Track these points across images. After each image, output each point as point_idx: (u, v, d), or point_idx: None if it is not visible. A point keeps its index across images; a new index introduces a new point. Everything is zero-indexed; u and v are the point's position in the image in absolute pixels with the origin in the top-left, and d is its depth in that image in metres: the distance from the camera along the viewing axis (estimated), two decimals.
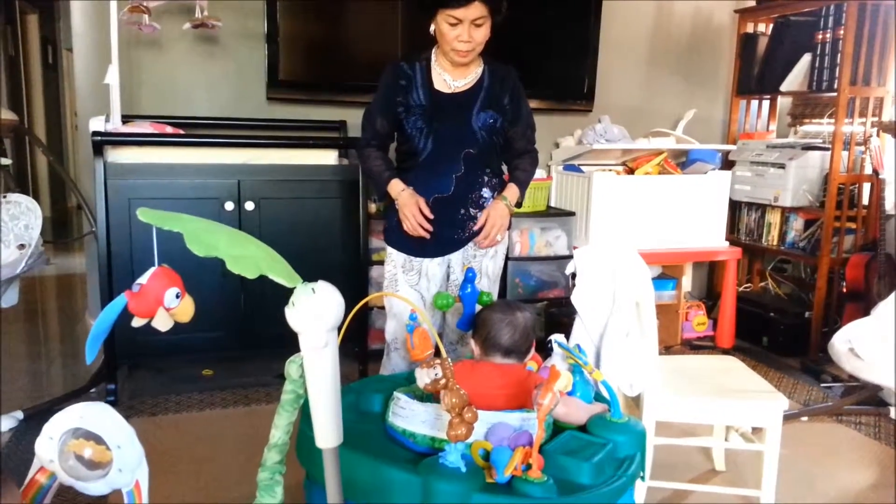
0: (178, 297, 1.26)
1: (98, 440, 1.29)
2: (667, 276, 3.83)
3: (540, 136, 2.33)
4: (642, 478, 1.60)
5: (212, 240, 1.15)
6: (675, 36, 4.07)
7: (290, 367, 1.34)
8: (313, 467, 1.57)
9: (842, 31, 3.38)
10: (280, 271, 1.15)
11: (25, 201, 2.52)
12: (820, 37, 3.51)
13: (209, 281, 2.75)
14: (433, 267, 2.24)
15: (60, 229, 7.15)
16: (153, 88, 3.29)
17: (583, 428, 1.61)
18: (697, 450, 2.52)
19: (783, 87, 3.75)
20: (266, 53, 3.28)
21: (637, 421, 1.64)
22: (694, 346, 3.79)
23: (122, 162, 2.77)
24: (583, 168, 3.63)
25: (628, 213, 3.41)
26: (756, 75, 3.96)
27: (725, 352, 3.55)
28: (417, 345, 1.88)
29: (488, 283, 2.30)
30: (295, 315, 1.15)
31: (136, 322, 1.25)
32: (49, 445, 1.30)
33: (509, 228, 2.28)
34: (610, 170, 3.64)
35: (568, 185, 3.62)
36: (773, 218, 3.81)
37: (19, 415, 2.64)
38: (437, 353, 1.61)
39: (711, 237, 3.59)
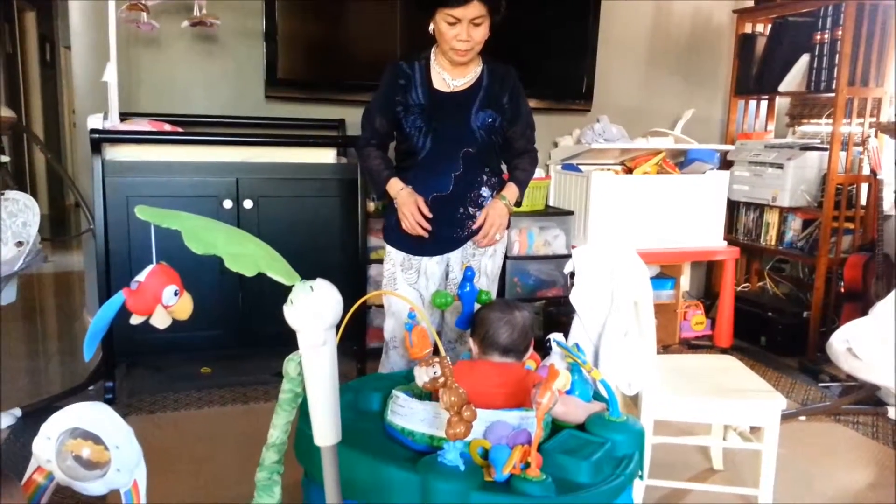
0: (176, 294, 1.26)
1: (96, 440, 1.29)
2: (665, 275, 3.83)
3: (538, 135, 2.33)
4: (640, 477, 1.60)
5: (210, 237, 1.15)
6: (674, 36, 4.07)
7: (289, 366, 1.34)
8: (312, 466, 1.57)
9: (840, 32, 3.38)
10: (279, 269, 1.15)
11: (23, 199, 2.52)
12: (818, 37, 3.51)
13: (207, 279, 2.75)
14: (432, 265, 2.24)
15: (58, 227, 7.14)
16: (151, 86, 3.28)
17: (581, 427, 1.61)
18: (695, 449, 2.52)
19: (781, 88, 3.75)
20: (264, 52, 3.28)
21: (635, 420, 1.64)
22: (692, 346, 3.79)
23: (120, 160, 2.77)
24: (581, 167, 3.63)
25: (627, 213, 3.42)
26: (754, 75, 3.96)
27: (723, 351, 3.55)
28: (416, 343, 1.88)
29: (487, 282, 2.30)
30: (293, 313, 1.15)
31: (135, 320, 1.25)
32: (47, 445, 1.30)
33: (508, 227, 2.28)
34: (608, 169, 3.64)
35: (566, 185, 3.62)
36: (772, 218, 3.82)
37: (17, 412, 2.64)
38: (436, 352, 1.61)
39: (710, 237, 3.59)
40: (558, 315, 3.32)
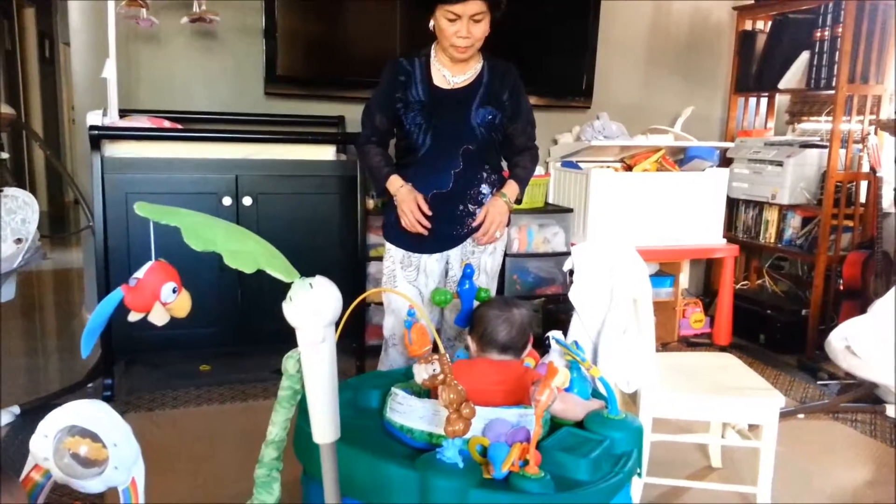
0: (174, 291, 1.26)
1: (94, 438, 1.28)
2: (664, 273, 3.83)
3: (538, 132, 2.33)
4: (639, 474, 1.60)
5: (209, 234, 1.15)
6: (674, 33, 4.06)
7: (288, 363, 1.34)
8: (310, 463, 1.57)
9: (840, 29, 3.38)
10: (278, 266, 1.15)
11: (22, 195, 2.51)
12: (818, 34, 3.51)
13: (206, 276, 2.75)
14: (431, 263, 2.23)
15: (58, 224, 7.14)
16: (151, 83, 3.28)
17: (580, 424, 1.61)
18: (694, 447, 2.52)
19: (781, 85, 3.75)
20: (264, 48, 3.27)
21: (634, 417, 1.64)
22: (691, 343, 3.79)
23: (119, 156, 2.77)
24: (581, 165, 3.63)
25: (626, 210, 3.41)
26: (754, 73, 3.96)
27: (722, 349, 3.55)
28: (415, 341, 1.88)
29: (486, 280, 2.30)
30: (292, 310, 1.15)
31: (132, 317, 1.25)
32: (44, 443, 1.30)
33: (508, 225, 2.27)
34: (608, 166, 3.64)
35: (566, 182, 3.61)
36: (771, 215, 3.82)
37: (16, 410, 2.64)
38: (435, 349, 1.61)
39: (709, 234, 3.59)
40: (557, 312, 3.32)
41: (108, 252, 2.74)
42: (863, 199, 3.58)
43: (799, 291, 3.97)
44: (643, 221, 3.45)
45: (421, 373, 1.36)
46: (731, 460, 2.45)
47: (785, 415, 2.72)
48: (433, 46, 2.18)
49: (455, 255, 2.26)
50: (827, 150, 3.46)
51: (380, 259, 2.53)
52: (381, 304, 2.58)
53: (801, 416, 2.88)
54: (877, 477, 2.43)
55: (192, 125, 3.16)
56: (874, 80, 3.48)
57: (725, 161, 3.93)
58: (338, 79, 3.41)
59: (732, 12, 4.06)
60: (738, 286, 4.06)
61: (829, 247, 3.48)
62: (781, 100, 4.15)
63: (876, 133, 3.47)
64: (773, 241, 3.82)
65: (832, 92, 3.43)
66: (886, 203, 3.37)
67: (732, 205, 3.96)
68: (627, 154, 3.70)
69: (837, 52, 3.39)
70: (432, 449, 1.43)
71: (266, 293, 2.71)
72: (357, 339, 3.12)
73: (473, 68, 2.18)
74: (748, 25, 4.02)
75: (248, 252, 1.15)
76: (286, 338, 1.22)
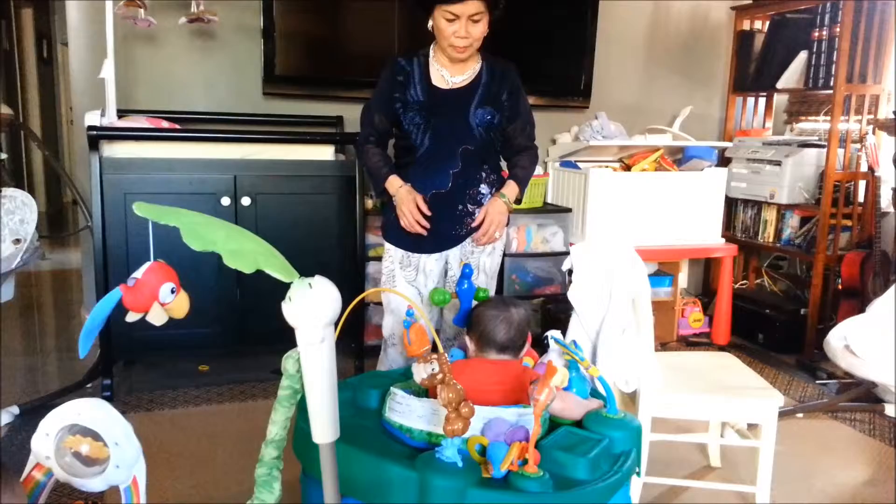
0: (173, 292, 1.26)
1: (95, 436, 1.28)
2: (663, 272, 3.83)
3: (537, 132, 2.32)
4: (638, 474, 1.60)
5: (209, 234, 1.15)
6: (672, 33, 4.07)
7: (287, 363, 1.34)
8: (310, 463, 1.57)
9: (838, 29, 3.38)
10: (277, 266, 1.15)
11: (21, 196, 2.51)
12: (816, 34, 3.51)
13: (205, 276, 2.75)
14: (430, 263, 2.23)
15: (56, 224, 7.13)
16: (149, 83, 3.28)
17: (579, 424, 1.61)
18: (693, 446, 2.52)
19: (779, 85, 3.76)
20: (262, 48, 3.27)
21: (633, 417, 1.65)
22: (690, 343, 3.80)
23: (117, 157, 2.76)
24: (579, 164, 3.64)
25: (625, 210, 3.42)
26: (752, 72, 3.96)
27: (721, 348, 3.55)
28: (414, 341, 1.88)
29: (485, 280, 2.30)
30: (292, 310, 1.15)
31: (130, 317, 1.25)
32: (45, 442, 1.30)
33: (507, 225, 2.28)
34: (606, 166, 3.64)
35: (565, 182, 3.62)
36: (769, 215, 3.82)
37: (15, 410, 2.64)
38: (434, 349, 1.61)
39: (707, 234, 3.60)
40: (556, 312, 3.32)
41: (106, 252, 2.74)
42: (861, 198, 3.58)
43: (797, 291, 3.97)
44: (642, 221, 3.45)
45: (420, 372, 1.36)
46: (730, 460, 2.45)
47: (784, 414, 2.72)
48: (432, 46, 2.18)
49: (454, 255, 2.26)
50: (825, 150, 3.46)
51: (379, 259, 2.53)
52: (380, 303, 2.58)
53: (799, 415, 2.88)
54: (876, 476, 2.43)
55: (190, 125, 3.16)
56: (872, 80, 3.48)
57: (724, 161, 3.94)
58: (336, 79, 3.41)
59: (731, 12, 4.06)
60: (736, 286, 4.06)
61: (828, 246, 3.48)
62: (780, 99, 4.15)
63: (874, 132, 3.48)
64: (771, 240, 3.82)
65: (830, 91, 3.44)
66: (885, 202, 3.38)
67: (731, 204, 3.96)
68: (626, 154, 3.70)
69: (835, 52, 3.39)
70: (431, 448, 1.43)
71: (265, 293, 2.68)
72: (356, 339, 3.12)
73: (472, 68, 2.18)
74: (746, 25, 4.03)
75: (247, 252, 1.15)
76: (285, 338, 1.23)
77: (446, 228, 2.19)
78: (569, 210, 3.52)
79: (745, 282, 4.19)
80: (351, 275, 3.03)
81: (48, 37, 7.52)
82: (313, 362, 1.18)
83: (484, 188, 2.21)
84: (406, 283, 2.25)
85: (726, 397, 2.06)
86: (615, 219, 3.41)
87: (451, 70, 2.16)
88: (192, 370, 3.16)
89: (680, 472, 2.34)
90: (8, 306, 2.97)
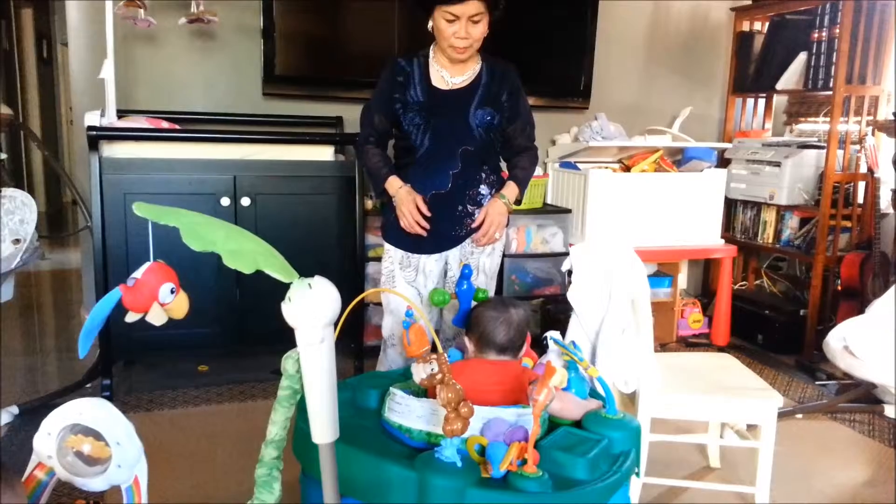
0: (172, 292, 1.26)
1: (97, 436, 1.29)
2: (662, 273, 3.83)
3: (537, 133, 2.33)
4: (637, 474, 1.61)
5: (209, 234, 1.15)
6: (672, 34, 4.07)
7: (287, 363, 1.34)
8: (309, 463, 1.57)
9: (837, 30, 3.38)
10: (276, 267, 1.15)
11: (21, 196, 2.51)
12: (816, 35, 3.52)
13: (205, 276, 2.75)
14: (430, 263, 2.24)
15: (56, 224, 7.13)
16: (149, 83, 3.28)
17: (578, 424, 1.61)
18: (692, 447, 2.52)
19: (779, 86, 3.76)
20: (262, 48, 3.27)
21: (632, 417, 1.65)
22: (689, 344, 3.80)
23: (117, 157, 2.77)
24: (579, 165, 3.64)
25: (624, 211, 3.42)
26: (752, 73, 3.97)
27: (721, 349, 3.56)
28: (414, 341, 1.88)
29: (485, 280, 2.30)
30: (291, 310, 1.15)
31: (130, 317, 1.25)
32: (47, 441, 1.30)
33: (507, 226, 2.28)
34: (606, 167, 3.64)
35: (564, 183, 3.62)
36: (769, 216, 3.82)
37: (15, 410, 2.64)
38: (434, 350, 1.61)
39: (707, 235, 3.60)
40: (556, 313, 3.32)
41: (106, 252, 2.74)
42: (860, 199, 3.58)
43: (797, 292, 3.97)
44: (641, 222, 3.45)
45: (419, 372, 1.37)
46: (729, 460, 2.45)
47: (783, 415, 2.72)
48: (432, 47, 2.18)
49: (454, 256, 2.26)
50: (825, 151, 3.46)
51: (378, 259, 2.53)
52: (379, 304, 2.59)
53: (799, 416, 2.88)
54: (875, 477, 2.43)
55: (190, 126, 3.16)
56: (872, 81, 3.48)
57: (723, 162, 3.94)
58: (336, 79, 3.41)
59: (730, 13, 4.07)
60: (736, 287, 4.06)
61: (827, 247, 3.48)
62: (779, 100, 4.15)
63: (873, 134, 3.48)
64: (771, 241, 3.83)
65: (830, 93, 3.44)
66: (884, 203, 3.38)
67: (730, 205, 3.96)
68: (626, 155, 3.71)
69: (835, 53, 3.39)
70: (431, 448, 1.43)
71: (265, 293, 2.68)
72: (356, 340, 3.12)
73: (472, 69, 2.18)
74: (746, 26, 4.03)
75: (246, 252, 1.15)
76: (285, 338, 1.23)
77: (446, 229, 2.19)
78: (568, 211, 3.52)
79: (744, 283, 4.19)
80: (350, 275, 3.03)
81: (48, 37, 7.52)
82: (313, 362, 1.18)
83: (484, 189, 2.21)
84: (405, 283, 2.25)
85: (726, 398, 2.06)
86: (615, 219, 3.41)
87: (450, 71, 2.16)
88: (191, 370, 3.16)
89: (679, 473, 2.34)
90: (8, 306, 2.97)
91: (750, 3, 3.98)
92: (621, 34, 3.93)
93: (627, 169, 3.63)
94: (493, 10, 2.04)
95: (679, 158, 3.76)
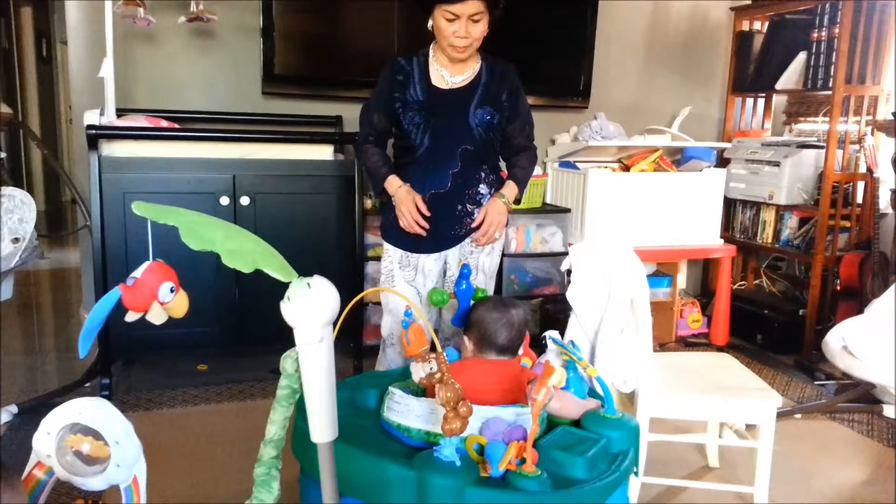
0: (172, 291, 1.26)
1: (96, 435, 1.29)
2: (661, 273, 3.83)
3: (536, 132, 2.33)
4: (636, 473, 1.61)
5: (208, 234, 1.15)
6: (671, 34, 4.07)
7: (286, 362, 1.34)
8: (308, 462, 1.57)
9: (837, 30, 3.38)
10: (276, 266, 1.15)
11: (20, 195, 2.51)
12: (815, 35, 3.52)
13: (204, 276, 2.75)
14: (429, 263, 2.24)
15: (55, 223, 7.13)
16: (148, 82, 3.28)
17: (577, 423, 1.61)
18: (691, 446, 2.52)
19: (778, 86, 3.76)
20: (262, 48, 3.27)
21: (630, 417, 1.65)
22: (688, 343, 3.80)
23: (116, 156, 2.76)
24: (578, 165, 3.64)
25: (624, 210, 3.42)
26: (751, 73, 3.97)
27: (720, 349, 3.56)
28: (413, 341, 1.88)
29: (484, 280, 2.30)
30: (290, 310, 1.15)
31: (130, 316, 1.25)
32: (47, 440, 1.30)
33: (506, 225, 2.28)
34: (606, 167, 3.65)
35: (564, 182, 3.62)
36: (768, 216, 3.82)
37: (14, 409, 2.64)
38: (433, 349, 1.61)
39: (706, 235, 3.60)
40: (555, 312, 3.32)
41: (105, 251, 2.74)
42: (860, 199, 3.58)
43: (796, 292, 3.97)
44: (641, 221, 3.45)
45: (418, 372, 1.37)
46: (728, 460, 2.45)
47: (782, 415, 2.72)
48: (431, 46, 2.18)
49: (453, 255, 2.26)
50: (824, 151, 3.46)
51: (378, 259, 2.53)
52: (379, 303, 2.59)
53: (798, 416, 2.89)
54: (874, 477, 2.43)
55: (189, 125, 3.16)
56: (871, 81, 3.48)
57: (723, 161, 3.94)
58: (336, 78, 3.41)
59: (730, 13, 4.07)
60: (735, 286, 4.06)
61: (827, 247, 3.48)
62: (778, 100, 4.15)
63: (873, 134, 3.48)
64: (770, 241, 3.83)
65: (829, 92, 3.44)
66: (883, 203, 3.38)
67: (730, 205, 3.96)
68: (625, 154, 3.71)
69: (834, 53, 3.39)
70: (429, 447, 1.43)
71: (264, 293, 2.68)
72: (355, 339, 3.12)
73: (472, 68, 2.18)
74: (745, 26, 4.03)
75: (245, 252, 1.15)
76: (284, 337, 1.23)
77: (445, 228, 2.19)
78: (568, 210, 3.52)
79: (743, 282, 4.19)
80: (350, 274, 3.03)
81: (47, 35, 7.52)
82: (312, 362, 1.18)
83: (483, 188, 2.21)
84: (405, 282, 2.25)
85: (725, 398, 2.06)
86: (614, 219, 3.41)
87: (450, 70, 2.16)
88: (190, 370, 3.16)
89: (678, 473, 2.34)
90: (7, 305, 2.97)
91: (749, 2, 3.98)
92: (621, 34, 3.93)
93: (627, 168, 3.63)
94: (493, 10, 2.04)
95: (678, 158, 3.77)
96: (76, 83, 3.35)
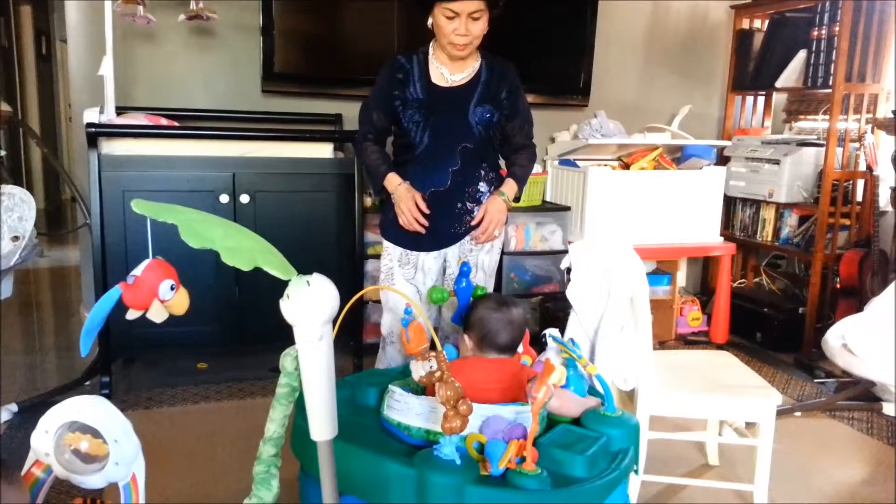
0: (172, 289, 1.26)
1: (95, 434, 1.29)
2: (661, 271, 3.83)
3: (536, 130, 2.33)
4: (636, 471, 1.61)
5: (207, 231, 1.15)
6: (671, 32, 4.06)
7: (285, 361, 1.34)
8: (308, 460, 1.57)
9: (837, 28, 3.38)
10: (275, 264, 1.15)
11: (19, 193, 2.51)
12: (815, 33, 3.51)
13: (204, 274, 2.74)
14: (429, 261, 2.24)
15: (55, 221, 7.13)
16: (148, 80, 3.27)
17: (577, 422, 1.61)
18: (691, 444, 2.52)
19: (778, 84, 3.76)
20: (261, 46, 3.27)
21: (630, 415, 1.65)
22: (688, 342, 3.80)
23: (116, 154, 2.76)
24: (578, 163, 3.64)
25: (623, 208, 3.42)
26: (751, 71, 3.96)
27: (719, 347, 3.56)
28: (412, 339, 1.88)
29: (484, 278, 2.30)
30: (290, 308, 1.15)
31: (131, 314, 1.25)
32: (45, 439, 1.30)
33: (506, 223, 2.28)
34: (605, 165, 3.64)
35: (563, 180, 3.62)
36: (768, 214, 3.82)
37: (14, 407, 2.64)
38: (433, 347, 1.61)
39: (706, 233, 3.60)
40: (555, 310, 3.32)
41: (105, 250, 2.74)
42: (859, 197, 3.58)
43: (796, 289, 3.97)
44: (640, 219, 3.45)
45: (418, 369, 1.37)
46: (728, 458, 2.45)
47: (782, 413, 2.72)
48: (431, 44, 2.18)
49: (453, 253, 2.26)
50: (824, 149, 3.46)
51: (377, 257, 2.53)
52: (378, 301, 2.59)
53: (797, 414, 2.89)
54: (874, 475, 2.43)
55: (189, 123, 3.16)
56: (871, 79, 3.48)
57: (722, 159, 3.94)
58: (335, 76, 3.41)
59: (730, 11, 4.06)
60: (735, 284, 4.06)
61: (826, 245, 3.48)
62: (778, 98, 4.15)
63: (873, 132, 3.47)
64: (770, 239, 3.83)
65: (829, 90, 3.44)
66: (883, 201, 3.38)
67: (729, 203, 3.96)
68: (625, 152, 3.70)
69: (834, 51, 3.39)
70: (429, 446, 1.43)
71: (263, 291, 2.68)
72: (355, 337, 3.12)
73: (472, 66, 2.18)
74: (745, 24, 4.03)
75: (245, 250, 1.15)
76: (284, 335, 1.23)
77: (445, 226, 2.19)
78: (567, 208, 3.52)
79: (743, 280, 4.19)
80: (349, 272, 3.03)
81: (47, 34, 7.51)
82: (311, 360, 1.18)
83: (483, 186, 2.21)
84: (404, 280, 2.25)
85: (724, 396, 2.06)
86: (614, 217, 3.41)
87: (450, 68, 2.16)
88: (190, 368, 3.16)
89: (678, 471, 2.34)
90: (6, 304, 2.97)
91: (749, 0, 3.98)
92: (621, 32, 3.93)
93: (627, 166, 3.62)
94: (493, 8, 2.04)
95: (678, 156, 3.76)
96: (76, 81, 3.35)
